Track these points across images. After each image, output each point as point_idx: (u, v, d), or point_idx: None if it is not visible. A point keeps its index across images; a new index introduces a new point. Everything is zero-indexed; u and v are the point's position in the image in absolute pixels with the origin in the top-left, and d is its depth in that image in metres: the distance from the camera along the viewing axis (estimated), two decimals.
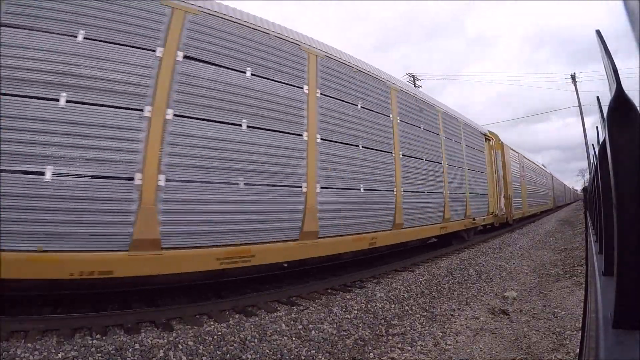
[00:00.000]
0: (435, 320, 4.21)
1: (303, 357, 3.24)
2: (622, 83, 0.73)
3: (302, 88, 5.45)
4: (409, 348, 3.44)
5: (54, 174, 3.26)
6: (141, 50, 3.90)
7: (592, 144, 4.84)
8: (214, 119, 4.36)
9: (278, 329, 3.75)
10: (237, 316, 4.20)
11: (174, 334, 3.46)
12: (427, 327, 3.96)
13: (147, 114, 3.83)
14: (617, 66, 0.80)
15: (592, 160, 5.49)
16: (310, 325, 3.91)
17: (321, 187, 5.40)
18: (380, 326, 4.01)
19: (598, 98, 1.45)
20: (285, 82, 5.23)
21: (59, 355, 2.88)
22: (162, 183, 3.82)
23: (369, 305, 4.65)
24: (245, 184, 4.49)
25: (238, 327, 3.77)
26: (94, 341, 3.16)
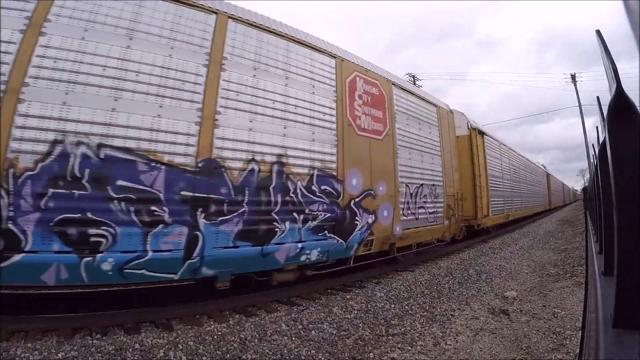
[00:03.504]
0: (435, 320, 4.21)
1: (303, 357, 3.24)
2: (622, 83, 0.73)
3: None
4: (409, 348, 3.44)
5: None
6: None
7: (592, 144, 4.84)
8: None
9: (278, 329, 3.76)
10: (237, 316, 4.20)
11: (174, 334, 3.46)
12: (427, 327, 3.97)
13: None
14: (617, 66, 0.79)
15: (592, 160, 5.49)
16: (310, 325, 3.91)
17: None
18: (380, 326, 4.01)
19: (598, 98, 1.45)
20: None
21: (59, 355, 2.89)
22: None
23: (369, 305, 4.66)
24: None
25: (238, 327, 3.77)
26: (94, 341, 3.16)
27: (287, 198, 4.67)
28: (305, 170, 5.00)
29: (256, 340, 3.49)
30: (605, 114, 0.79)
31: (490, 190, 11.63)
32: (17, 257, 2.97)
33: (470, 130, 11.06)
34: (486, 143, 12.10)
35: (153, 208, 3.62)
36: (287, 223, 4.65)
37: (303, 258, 4.87)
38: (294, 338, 3.60)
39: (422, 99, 8.29)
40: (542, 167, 27.86)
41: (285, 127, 4.90)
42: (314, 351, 3.35)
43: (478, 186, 10.60)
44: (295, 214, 4.76)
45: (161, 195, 3.68)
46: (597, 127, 2.22)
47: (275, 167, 4.64)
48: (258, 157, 4.48)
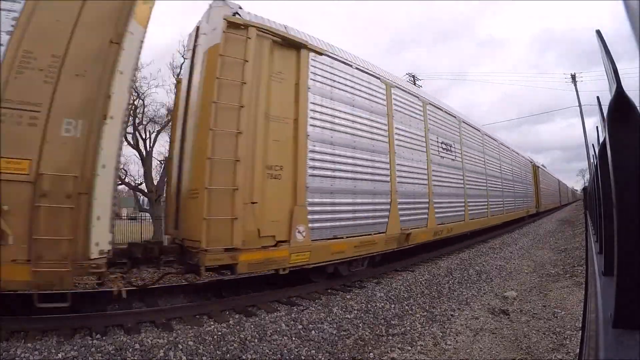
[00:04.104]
0: (435, 320, 4.21)
1: (303, 357, 3.24)
2: (622, 83, 0.73)
3: None
4: (409, 348, 3.44)
5: None
6: None
7: (592, 144, 4.84)
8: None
9: (278, 329, 3.76)
10: (237, 316, 4.20)
11: (174, 334, 3.46)
12: (427, 327, 3.96)
13: None
14: (617, 66, 0.80)
15: (592, 160, 5.50)
16: (310, 325, 3.91)
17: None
18: (380, 326, 4.01)
19: (598, 98, 1.45)
20: None
21: (59, 355, 2.89)
22: None
23: (369, 305, 4.65)
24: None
25: (238, 327, 3.77)
26: (94, 341, 3.16)
27: None
28: None
29: (256, 340, 3.49)
30: (605, 114, 0.79)
31: (321, 177, 5.25)
32: None
33: (225, 25, 4.42)
34: (315, 64, 5.40)
35: None
36: None
37: None
38: (294, 338, 3.60)
39: None
40: (529, 159, 20.65)
41: None
42: (314, 351, 3.35)
43: (222, 162, 4.16)
44: None
45: None
46: (597, 127, 2.22)
47: None
48: None
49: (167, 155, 7.57)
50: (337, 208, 5.47)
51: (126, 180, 13.39)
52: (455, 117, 10.08)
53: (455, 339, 3.65)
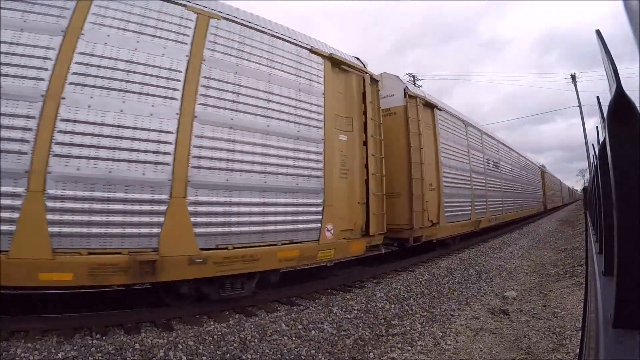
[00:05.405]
0: (435, 320, 4.21)
1: (303, 357, 3.24)
2: (622, 83, 0.73)
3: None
4: (409, 348, 3.44)
5: None
6: None
7: (592, 144, 4.84)
8: None
9: (278, 329, 3.76)
10: (237, 316, 4.20)
11: (174, 334, 3.46)
12: (427, 327, 3.97)
13: None
14: (617, 66, 0.80)
15: (592, 160, 5.50)
16: (310, 325, 3.91)
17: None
18: (380, 326, 4.01)
19: (598, 98, 1.45)
20: None
21: (59, 355, 2.88)
22: None
23: (369, 305, 4.65)
24: None
25: (238, 327, 3.77)
26: (94, 341, 3.16)
27: None
28: None
29: (256, 340, 3.49)
30: (605, 114, 0.79)
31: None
32: None
33: None
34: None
35: None
36: None
37: None
38: (294, 338, 3.60)
39: None
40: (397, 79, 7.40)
41: None
42: (314, 351, 3.35)
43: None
44: None
45: None
46: (597, 127, 2.22)
47: None
48: None
49: None
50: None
51: None
52: None
53: (455, 339, 3.65)
